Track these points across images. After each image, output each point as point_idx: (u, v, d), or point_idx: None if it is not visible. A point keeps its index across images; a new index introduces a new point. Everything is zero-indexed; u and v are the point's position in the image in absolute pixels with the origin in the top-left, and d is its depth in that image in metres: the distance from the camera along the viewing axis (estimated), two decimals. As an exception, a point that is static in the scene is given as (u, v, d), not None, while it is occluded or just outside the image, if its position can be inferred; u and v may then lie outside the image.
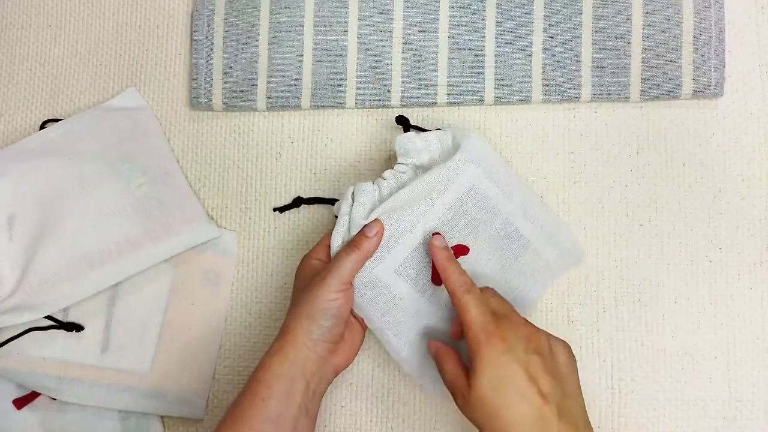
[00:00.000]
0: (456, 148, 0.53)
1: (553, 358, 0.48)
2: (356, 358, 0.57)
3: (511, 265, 0.55)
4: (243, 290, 0.60)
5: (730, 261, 0.57)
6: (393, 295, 0.53)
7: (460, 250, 0.54)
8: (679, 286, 0.57)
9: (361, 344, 0.54)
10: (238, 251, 0.61)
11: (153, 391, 0.58)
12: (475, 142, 0.53)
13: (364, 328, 0.55)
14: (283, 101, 0.60)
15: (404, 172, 0.54)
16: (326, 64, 0.60)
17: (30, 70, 0.65)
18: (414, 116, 0.60)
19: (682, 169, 0.58)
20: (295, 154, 0.61)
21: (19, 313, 0.56)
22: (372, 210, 0.52)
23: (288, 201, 0.61)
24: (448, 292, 0.50)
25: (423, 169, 0.55)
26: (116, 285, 0.58)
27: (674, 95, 0.57)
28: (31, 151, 0.60)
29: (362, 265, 0.51)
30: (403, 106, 0.60)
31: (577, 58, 0.58)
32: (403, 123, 0.57)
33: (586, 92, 0.58)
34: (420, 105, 0.59)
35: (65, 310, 0.58)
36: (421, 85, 0.59)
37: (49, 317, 0.57)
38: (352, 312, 0.53)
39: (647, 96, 0.57)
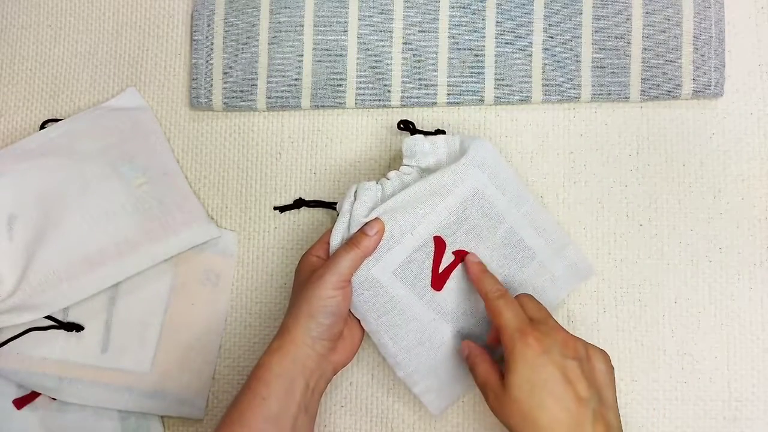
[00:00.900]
0: (463, 152, 0.53)
1: (591, 365, 0.47)
2: (356, 357, 0.57)
3: (514, 275, 0.55)
4: (243, 290, 0.60)
5: (730, 261, 0.57)
6: (390, 297, 0.52)
7: (460, 255, 0.53)
8: (679, 286, 0.57)
9: (361, 342, 0.54)
10: (238, 251, 0.61)
11: (153, 391, 0.58)
12: (484, 147, 0.53)
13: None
14: (283, 101, 0.60)
15: (409, 174, 0.54)
16: (326, 64, 0.60)
17: (30, 69, 0.65)
18: (414, 116, 0.60)
19: (682, 169, 0.58)
20: (295, 154, 0.61)
21: (19, 313, 0.55)
22: (373, 209, 0.52)
23: (288, 201, 0.61)
24: (482, 298, 0.50)
25: (428, 171, 0.54)
26: (116, 285, 0.58)
27: (674, 95, 0.57)
28: (31, 151, 0.60)
29: (360, 263, 0.51)
30: (403, 106, 0.60)
31: (577, 58, 0.58)
32: (408, 127, 0.57)
33: (586, 92, 0.58)
34: (420, 105, 0.59)
35: (65, 310, 0.58)
36: (421, 85, 0.59)
37: (49, 317, 0.57)
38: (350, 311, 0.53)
39: (647, 96, 0.57)
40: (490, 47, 0.59)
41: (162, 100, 0.63)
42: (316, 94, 0.60)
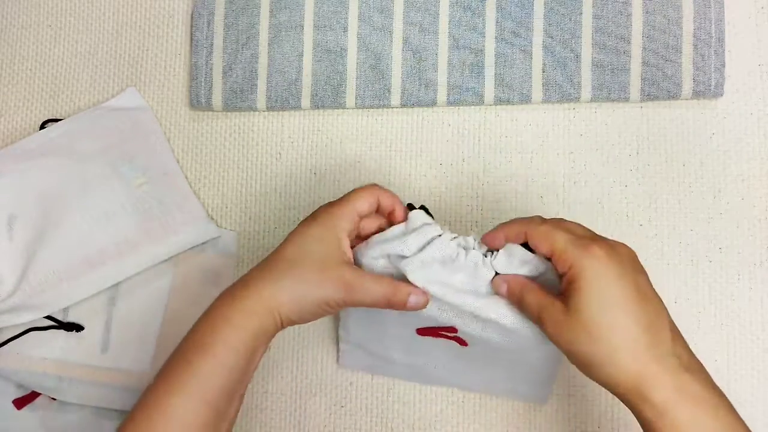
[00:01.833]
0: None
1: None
2: (356, 358, 0.57)
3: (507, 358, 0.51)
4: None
5: (730, 261, 0.57)
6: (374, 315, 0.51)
7: (449, 329, 0.49)
8: (679, 286, 0.57)
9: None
10: (238, 251, 0.61)
11: (153, 391, 0.58)
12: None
13: None
14: (283, 101, 0.60)
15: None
16: (326, 64, 0.60)
17: (30, 69, 0.65)
18: (414, 116, 0.60)
19: (682, 169, 0.58)
20: (295, 154, 0.61)
21: (19, 313, 0.56)
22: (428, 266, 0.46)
23: (288, 201, 0.61)
24: (528, 242, 0.44)
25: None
26: (116, 285, 0.58)
27: (674, 95, 0.57)
28: (31, 151, 0.60)
29: (380, 307, 0.46)
30: (403, 106, 0.60)
31: (577, 57, 0.58)
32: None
33: (586, 92, 0.58)
34: (420, 105, 0.59)
35: (65, 310, 0.58)
36: (421, 84, 0.59)
37: (49, 317, 0.57)
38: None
39: (647, 96, 0.57)
40: (490, 47, 0.59)
41: (162, 100, 0.63)
42: (316, 94, 0.60)
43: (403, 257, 0.45)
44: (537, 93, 0.58)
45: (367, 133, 0.61)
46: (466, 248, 0.46)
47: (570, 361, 0.42)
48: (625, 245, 0.42)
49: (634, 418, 0.56)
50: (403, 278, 0.45)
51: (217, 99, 0.61)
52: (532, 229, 0.43)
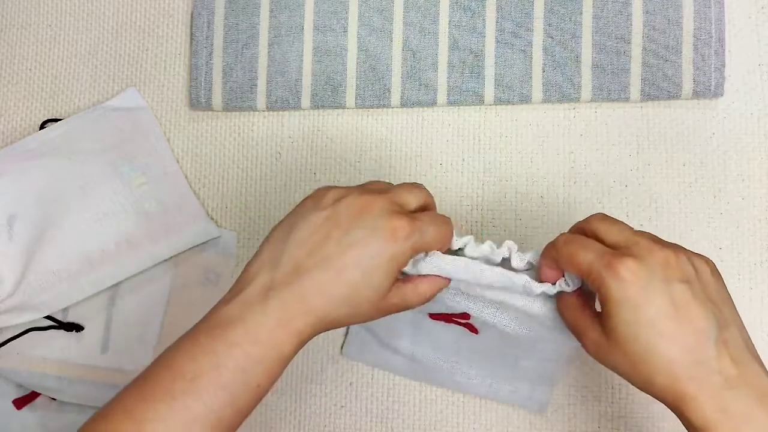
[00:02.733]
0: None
1: (702, 282, 0.38)
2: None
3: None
4: (243, 290, 0.60)
5: (731, 261, 0.57)
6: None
7: (462, 316, 0.49)
8: (679, 286, 0.57)
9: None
10: (238, 251, 0.61)
11: (153, 391, 0.58)
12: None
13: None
14: (283, 101, 0.60)
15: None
16: (326, 64, 0.60)
17: (29, 69, 0.65)
18: (414, 116, 0.60)
19: (682, 168, 0.58)
20: (295, 154, 0.61)
21: (19, 313, 0.56)
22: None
23: (288, 201, 0.61)
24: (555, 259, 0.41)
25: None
26: (116, 285, 0.58)
27: (674, 95, 0.57)
28: (30, 151, 0.60)
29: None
30: (403, 106, 0.60)
31: (577, 58, 0.58)
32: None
33: (586, 92, 0.58)
34: (420, 105, 0.59)
35: (65, 310, 0.58)
36: (420, 85, 0.59)
37: (48, 317, 0.57)
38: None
39: (647, 96, 0.57)
40: (489, 48, 0.59)
41: (162, 100, 0.63)
42: (316, 94, 0.60)
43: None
44: (537, 93, 0.58)
45: (366, 133, 0.61)
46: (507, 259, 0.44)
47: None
48: (661, 248, 0.39)
49: (634, 419, 0.56)
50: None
51: (217, 99, 0.61)
52: (556, 251, 0.41)
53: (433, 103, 0.59)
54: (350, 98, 0.60)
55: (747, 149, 0.58)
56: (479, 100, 0.59)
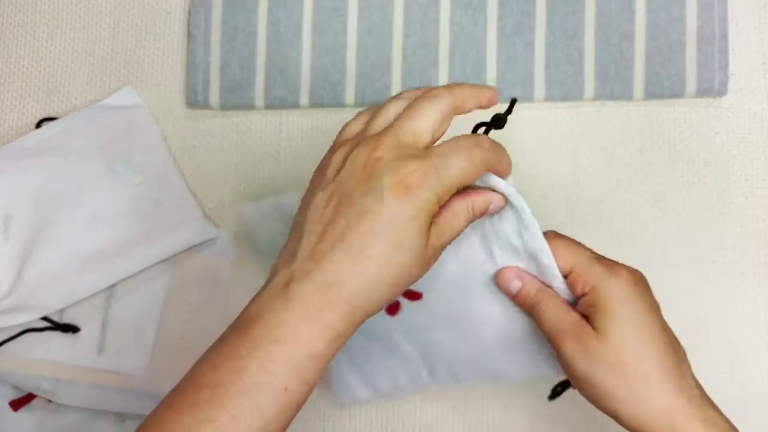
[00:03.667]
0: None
1: None
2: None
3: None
4: (240, 290, 0.60)
5: (735, 261, 0.56)
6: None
7: (413, 296, 0.45)
8: (683, 287, 0.57)
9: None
10: (235, 251, 0.60)
11: (150, 393, 0.57)
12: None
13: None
14: (281, 99, 0.60)
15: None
16: (325, 61, 0.60)
17: (25, 68, 0.64)
18: (414, 115, 0.60)
19: (685, 168, 0.58)
20: (294, 153, 0.61)
21: (15, 314, 0.55)
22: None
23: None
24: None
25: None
26: (112, 286, 0.58)
27: (678, 94, 0.57)
28: (26, 151, 0.59)
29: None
30: (403, 104, 0.59)
31: (580, 56, 0.58)
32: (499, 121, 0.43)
33: (589, 90, 0.57)
34: (420, 103, 0.59)
35: (61, 311, 0.58)
36: (421, 82, 0.59)
37: (44, 318, 0.57)
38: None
39: (651, 94, 0.57)
40: (491, 45, 0.59)
41: (159, 98, 0.63)
42: (315, 92, 0.60)
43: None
44: (539, 91, 0.58)
45: (366, 132, 0.61)
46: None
47: (580, 390, 0.39)
48: (639, 270, 0.39)
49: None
50: None
51: (214, 96, 0.60)
52: (551, 239, 0.39)
53: (433, 102, 0.59)
54: (350, 96, 0.59)
55: (751, 148, 0.58)
56: (480, 99, 0.58)
